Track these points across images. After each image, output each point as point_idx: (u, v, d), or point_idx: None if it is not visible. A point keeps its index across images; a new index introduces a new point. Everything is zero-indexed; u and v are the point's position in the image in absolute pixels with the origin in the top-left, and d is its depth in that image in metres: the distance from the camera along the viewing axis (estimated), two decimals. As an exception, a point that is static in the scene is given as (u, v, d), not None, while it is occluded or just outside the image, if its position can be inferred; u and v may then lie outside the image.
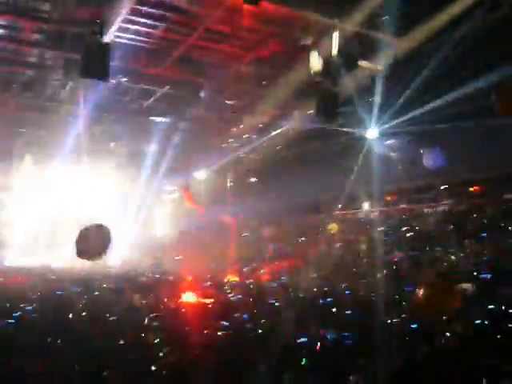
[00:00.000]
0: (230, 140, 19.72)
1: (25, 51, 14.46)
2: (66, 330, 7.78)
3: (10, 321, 8.17)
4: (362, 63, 13.27)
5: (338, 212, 21.12)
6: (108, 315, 9.14)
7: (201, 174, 20.62)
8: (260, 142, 19.41)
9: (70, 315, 9.12)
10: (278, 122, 18.20)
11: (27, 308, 9.41)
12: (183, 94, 16.57)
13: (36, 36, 13.44)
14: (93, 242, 9.91)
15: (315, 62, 12.72)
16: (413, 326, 7.77)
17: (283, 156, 20.12)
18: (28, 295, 11.38)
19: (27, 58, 14.95)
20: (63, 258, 19.66)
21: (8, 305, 9.68)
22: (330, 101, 12.70)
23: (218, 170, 20.71)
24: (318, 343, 7.11)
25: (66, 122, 18.38)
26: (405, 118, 15.49)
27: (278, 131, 18.65)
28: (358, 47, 13.25)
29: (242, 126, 19.03)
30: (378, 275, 13.59)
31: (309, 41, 13.02)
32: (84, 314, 9.37)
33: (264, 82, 15.88)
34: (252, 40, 13.77)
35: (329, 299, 11.00)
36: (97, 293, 12.22)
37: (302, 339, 7.24)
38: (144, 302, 11.85)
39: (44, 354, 6.60)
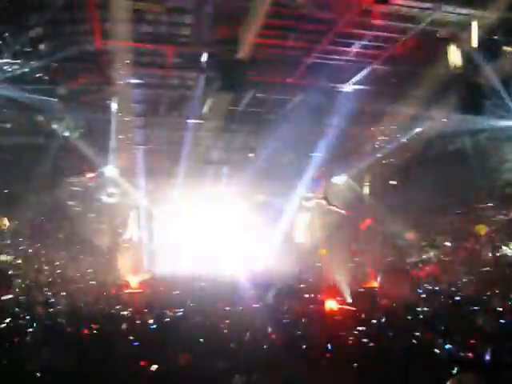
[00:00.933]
0: (368, 143, 19.25)
1: (168, 75, 15.60)
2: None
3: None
4: (507, 50, 12.25)
5: (487, 212, 19.54)
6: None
7: (340, 180, 20.42)
8: (400, 142, 18.66)
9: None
10: (418, 120, 17.35)
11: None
12: (319, 100, 16.55)
13: (177, 59, 14.41)
14: None
15: (455, 54, 12.04)
16: None
17: (424, 156, 19.12)
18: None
19: (170, 81, 16.11)
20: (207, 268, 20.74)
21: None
22: (476, 93, 11.94)
23: (356, 173, 20.34)
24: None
25: (207, 136, 19.40)
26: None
27: (419, 130, 17.79)
28: (501, 34, 12.27)
29: (381, 128, 18.47)
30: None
31: (446, 33, 12.37)
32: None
33: (401, 81, 15.26)
34: (385, 38, 13.38)
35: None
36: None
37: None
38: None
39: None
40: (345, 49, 13.84)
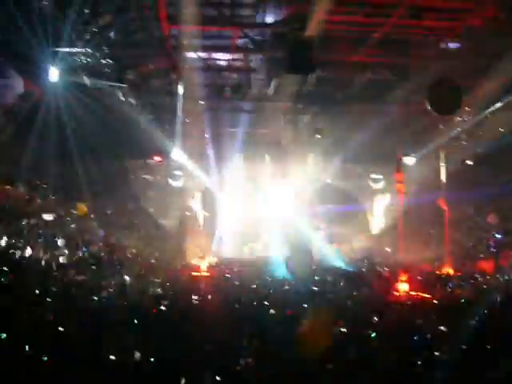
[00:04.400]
0: (441, 123, 18.24)
1: (233, 57, 15.43)
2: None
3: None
4: None
5: None
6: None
7: (410, 160, 19.61)
8: (477, 123, 17.52)
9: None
10: (498, 99, 16.16)
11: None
12: (387, 78, 15.88)
13: (240, 41, 14.18)
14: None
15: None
16: None
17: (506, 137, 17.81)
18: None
19: (235, 63, 15.95)
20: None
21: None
22: None
23: (429, 154, 19.43)
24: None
25: (272, 117, 19.18)
26: None
27: (498, 110, 16.56)
28: None
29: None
30: None
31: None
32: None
33: (479, 55, 14.26)
34: (460, 8, 12.49)
35: None
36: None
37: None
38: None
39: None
40: (416, 22, 13.04)
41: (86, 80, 14.37)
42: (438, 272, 16.44)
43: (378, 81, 16.09)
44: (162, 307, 9.21)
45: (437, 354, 6.41)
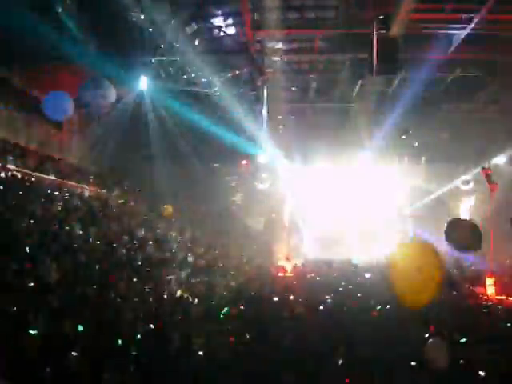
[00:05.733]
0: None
1: (316, 59, 15.63)
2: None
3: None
4: None
5: None
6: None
7: (501, 160, 18.71)
8: None
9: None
10: None
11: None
12: (475, 75, 15.34)
13: (325, 43, 14.35)
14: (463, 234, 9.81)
15: None
16: None
17: None
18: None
19: (318, 65, 16.13)
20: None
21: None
22: None
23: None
24: None
25: (358, 119, 19.12)
26: None
27: None
28: None
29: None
30: None
31: None
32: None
33: None
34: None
35: None
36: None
37: None
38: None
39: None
40: (505, 17, 12.52)
41: (175, 87, 15.15)
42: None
43: (466, 78, 15.60)
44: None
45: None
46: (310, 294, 11.51)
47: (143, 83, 15.04)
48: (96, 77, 11.19)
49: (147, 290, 10.05)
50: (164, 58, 14.33)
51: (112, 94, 11.07)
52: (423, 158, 21.06)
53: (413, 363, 6.01)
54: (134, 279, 10.38)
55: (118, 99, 14.47)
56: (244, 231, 22.90)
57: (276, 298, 11.04)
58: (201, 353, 6.62)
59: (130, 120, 16.33)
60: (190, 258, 14.93)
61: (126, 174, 18.81)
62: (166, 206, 17.92)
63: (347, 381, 5.70)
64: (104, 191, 17.54)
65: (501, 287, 12.59)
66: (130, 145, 17.89)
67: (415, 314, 8.43)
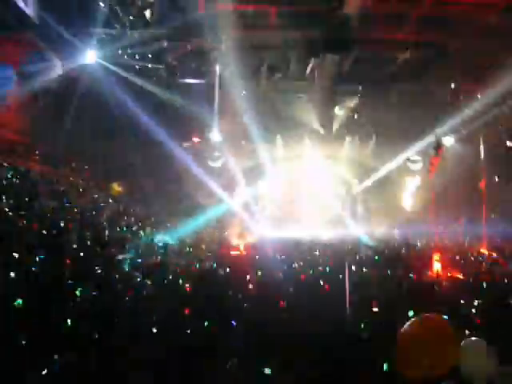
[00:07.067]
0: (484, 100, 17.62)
1: (270, 35, 15.43)
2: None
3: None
4: None
5: None
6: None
7: (449, 141, 19.24)
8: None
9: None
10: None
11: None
12: (426, 56, 15.59)
13: (279, 20, 14.17)
14: None
15: None
16: None
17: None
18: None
19: (273, 42, 15.94)
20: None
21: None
22: None
23: (468, 134, 19.00)
24: None
25: (310, 98, 19.15)
26: None
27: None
28: None
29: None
30: None
31: None
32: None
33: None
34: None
35: None
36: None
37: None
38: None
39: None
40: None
41: (124, 61, 14.69)
42: (473, 252, 16.25)
43: (417, 60, 15.84)
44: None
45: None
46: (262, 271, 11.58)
47: (90, 56, 14.46)
48: (40, 49, 10.66)
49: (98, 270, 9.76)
50: (113, 31, 13.79)
51: (57, 67, 10.59)
52: (373, 137, 21.32)
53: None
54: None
55: (64, 72, 13.94)
56: (197, 210, 22.65)
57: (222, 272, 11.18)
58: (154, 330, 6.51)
59: (76, 94, 15.72)
60: (143, 237, 14.70)
61: (73, 151, 18.15)
62: (114, 184, 17.52)
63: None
64: (51, 168, 16.93)
65: (446, 264, 13.02)
66: (78, 121, 17.24)
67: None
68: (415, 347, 3.39)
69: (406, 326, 3.53)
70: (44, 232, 10.74)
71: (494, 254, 15.53)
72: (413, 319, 3.52)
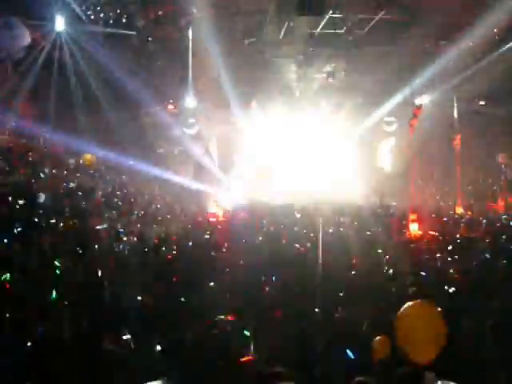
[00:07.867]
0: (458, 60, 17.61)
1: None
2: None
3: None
4: None
5: None
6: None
7: (422, 100, 19.36)
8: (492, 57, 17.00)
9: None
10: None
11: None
12: (400, 18, 15.52)
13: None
14: None
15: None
16: None
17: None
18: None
19: (245, 6, 15.67)
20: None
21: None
22: None
23: (441, 94, 19.13)
24: None
25: (284, 62, 19.00)
26: None
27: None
28: None
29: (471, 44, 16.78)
30: None
31: None
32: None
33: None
34: None
35: None
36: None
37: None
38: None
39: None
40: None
41: (93, 28, 14.29)
42: (449, 211, 16.58)
43: (390, 22, 15.77)
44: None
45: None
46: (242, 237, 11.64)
47: (59, 24, 14.00)
48: (6, 16, 10.27)
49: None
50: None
51: (25, 36, 10.23)
52: (348, 101, 21.33)
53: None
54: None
55: (32, 42, 13.50)
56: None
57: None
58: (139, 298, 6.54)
59: (45, 65, 15.30)
60: (120, 208, 14.62)
61: (42, 122, 17.73)
62: (86, 155, 17.29)
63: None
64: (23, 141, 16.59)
65: (422, 223, 13.26)
66: (47, 92, 16.80)
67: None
68: (413, 327, 3.71)
69: (403, 309, 3.79)
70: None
71: (469, 213, 15.92)
72: (410, 303, 3.80)
